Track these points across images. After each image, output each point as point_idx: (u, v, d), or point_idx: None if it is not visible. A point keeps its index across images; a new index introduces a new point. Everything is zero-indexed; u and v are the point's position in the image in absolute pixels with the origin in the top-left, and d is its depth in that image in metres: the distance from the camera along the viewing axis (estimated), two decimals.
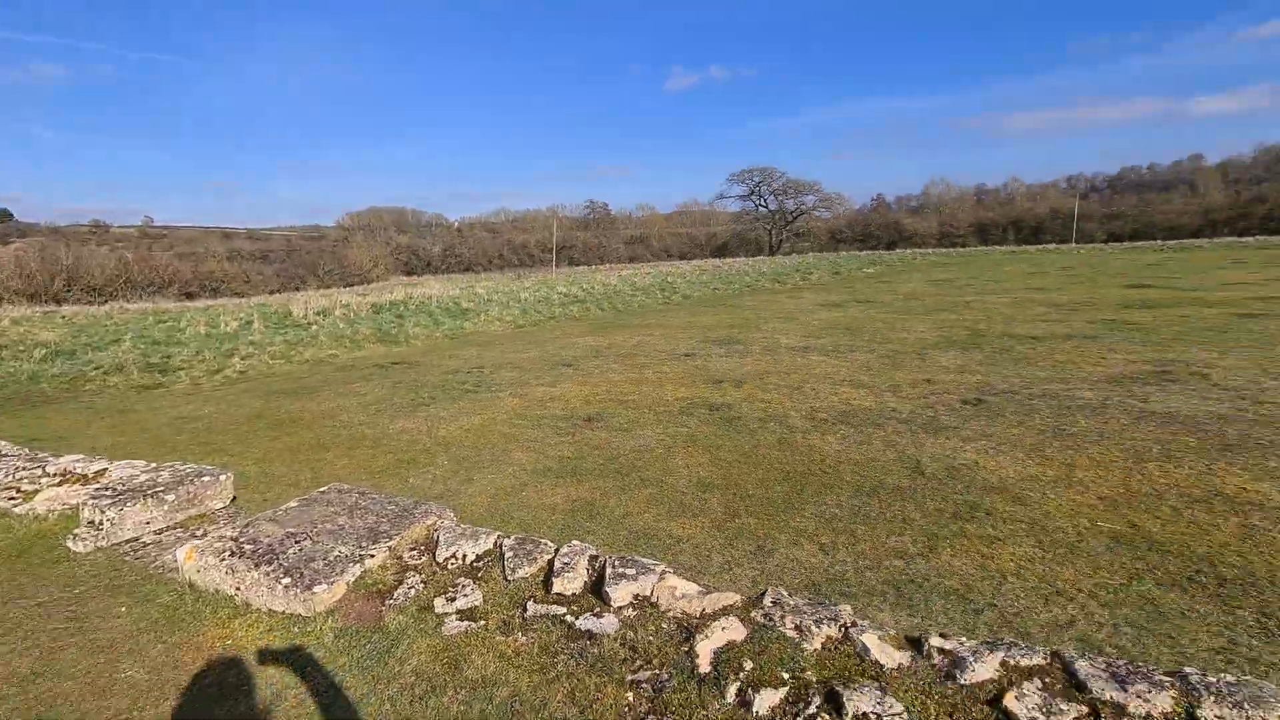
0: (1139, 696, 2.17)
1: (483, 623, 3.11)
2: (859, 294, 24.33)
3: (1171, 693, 2.18)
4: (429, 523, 3.98)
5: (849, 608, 2.87)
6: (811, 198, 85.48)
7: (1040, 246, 65.58)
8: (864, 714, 2.29)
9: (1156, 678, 2.25)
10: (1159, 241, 61.28)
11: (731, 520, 4.96)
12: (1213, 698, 2.13)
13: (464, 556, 3.63)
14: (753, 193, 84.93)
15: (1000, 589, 3.79)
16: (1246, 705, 2.09)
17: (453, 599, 3.27)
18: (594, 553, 3.49)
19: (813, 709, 2.36)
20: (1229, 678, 2.22)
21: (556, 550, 3.56)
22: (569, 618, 3.06)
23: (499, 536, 3.77)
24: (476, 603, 3.26)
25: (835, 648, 2.66)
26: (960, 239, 79.18)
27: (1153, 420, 6.62)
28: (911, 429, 6.87)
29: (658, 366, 11.10)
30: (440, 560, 3.63)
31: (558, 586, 3.28)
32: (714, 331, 15.34)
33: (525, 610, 3.16)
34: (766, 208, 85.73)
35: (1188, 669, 2.29)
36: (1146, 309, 15.70)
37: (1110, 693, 2.20)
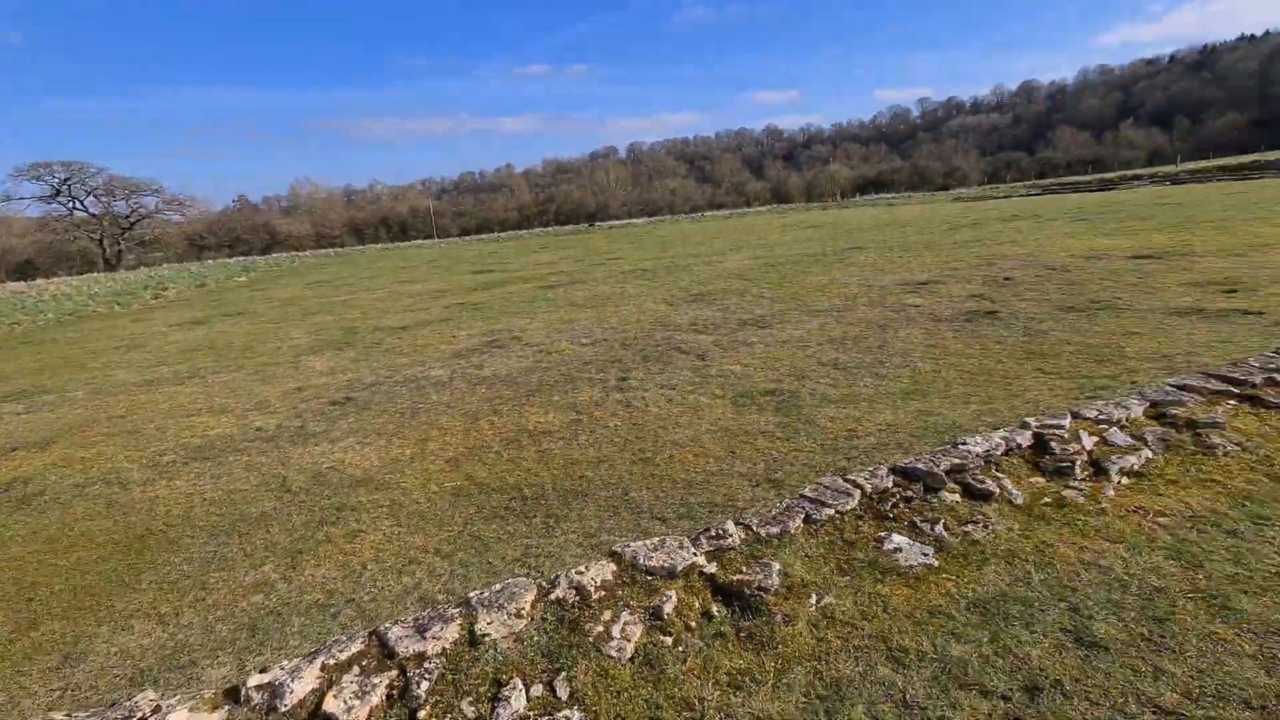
0: (434, 638, 2.48)
1: None
2: (229, 306, 21.81)
3: (459, 621, 2.57)
4: None
5: (152, 693, 2.40)
6: (153, 199, 71.67)
7: (410, 243, 72.27)
8: None
9: (449, 613, 2.62)
10: (496, 233, 75.60)
11: (14, 644, 3.65)
12: (484, 608, 2.61)
13: None
14: (59, 193, 65.56)
15: (360, 581, 3.90)
16: (506, 603, 2.64)
17: None
18: None
19: None
20: (496, 586, 2.77)
21: None
22: None
23: None
24: None
25: None
26: (337, 240, 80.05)
27: (485, 383, 8.02)
28: (278, 445, 6.48)
29: None
30: None
31: None
32: (1, 385, 11.20)
33: None
34: (86, 211, 67.66)
35: (471, 594, 2.75)
36: (486, 290, 19.04)
37: (413, 646, 2.45)
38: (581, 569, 2.83)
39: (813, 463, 4.82)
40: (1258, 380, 4.41)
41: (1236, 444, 3.79)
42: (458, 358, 9.67)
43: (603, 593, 2.72)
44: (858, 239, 23.63)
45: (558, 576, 2.81)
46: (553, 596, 2.69)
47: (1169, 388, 4.48)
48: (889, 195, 79.46)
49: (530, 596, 2.68)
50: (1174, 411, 4.10)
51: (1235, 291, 8.84)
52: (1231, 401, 4.24)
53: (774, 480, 4.60)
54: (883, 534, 3.16)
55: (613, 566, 2.87)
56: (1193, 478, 3.60)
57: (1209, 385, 4.41)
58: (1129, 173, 63.78)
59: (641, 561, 2.87)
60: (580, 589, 2.72)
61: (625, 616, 2.59)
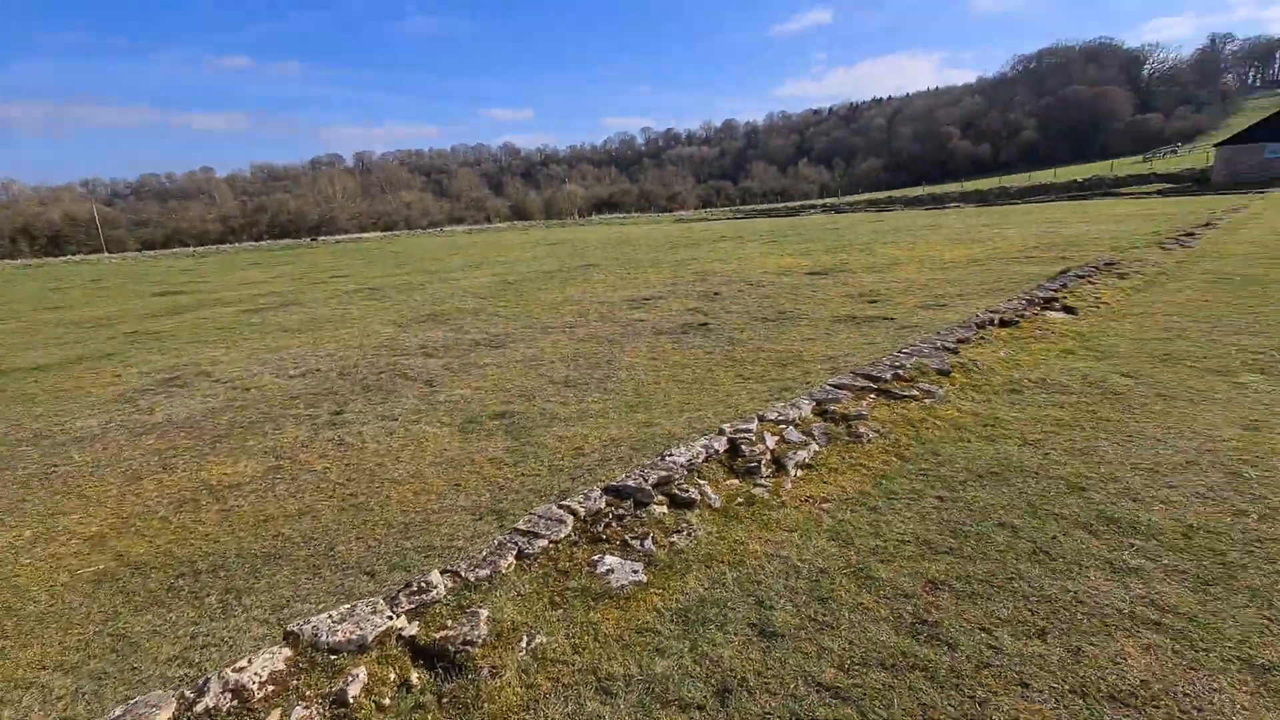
0: None
1: None
2: None
3: None
4: None
5: None
6: None
7: (66, 258, 58.15)
8: None
9: None
10: (192, 248, 64.40)
11: None
12: None
13: None
14: None
15: None
16: None
17: None
18: None
19: None
20: (116, 710, 2.15)
21: None
22: None
23: None
24: None
25: None
26: None
27: (154, 432, 6.57)
28: None
29: None
30: None
31: None
32: None
33: None
34: None
35: None
36: (172, 315, 15.94)
37: None
38: (242, 664, 2.34)
39: (539, 486, 4.74)
40: (888, 376, 5.43)
41: (876, 431, 4.58)
42: (120, 402, 7.83)
43: (271, 688, 2.27)
44: (591, 256, 24.70)
45: (208, 679, 2.28)
46: (200, 708, 2.17)
47: (829, 387, 5.30)
48: (620, 215, 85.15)
49: (165, 715, 2.12)
50: (833, 408, 4.84)
51: (876, 302, 10.97)
52: (872, 395, 5.14)
53: (499, 511, 4.41)
54: (596, 557, 3.16)
55: (287, 651, 2.42)
56: (847, 464, 4.26)
57: (857, 383, 5.31)
58: (807, 202, 76.88)
59: (324, 639, 2.47)
60: (239, 690, 2.23)
61: (298, 712, 2.18)
